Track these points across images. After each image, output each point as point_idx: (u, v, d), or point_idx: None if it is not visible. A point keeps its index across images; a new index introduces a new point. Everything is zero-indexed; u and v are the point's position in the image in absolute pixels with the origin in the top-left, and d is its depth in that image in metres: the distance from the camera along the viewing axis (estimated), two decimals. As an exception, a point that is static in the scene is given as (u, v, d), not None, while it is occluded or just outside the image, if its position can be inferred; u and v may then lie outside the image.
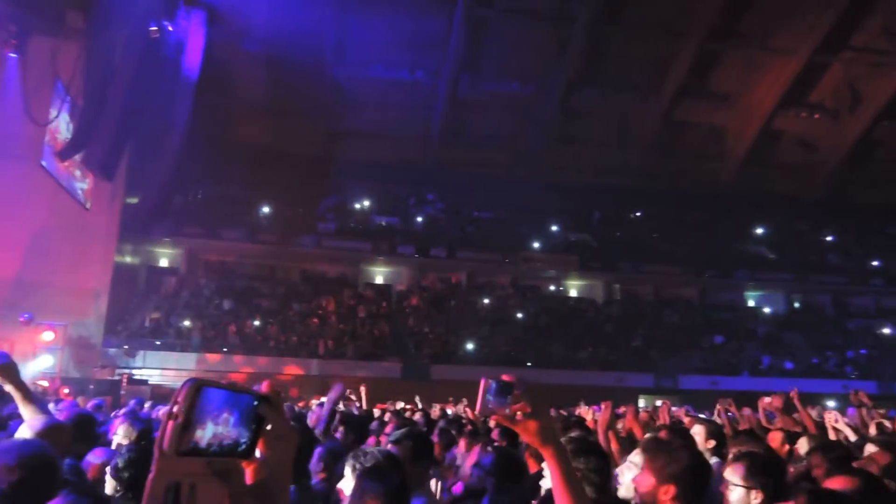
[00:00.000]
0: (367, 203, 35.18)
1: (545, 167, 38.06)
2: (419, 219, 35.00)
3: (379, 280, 33.40)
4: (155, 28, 19.09)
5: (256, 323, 27.20)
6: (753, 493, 2.58)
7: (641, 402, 22.57)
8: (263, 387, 1.01)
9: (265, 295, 29.79)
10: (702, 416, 12.22)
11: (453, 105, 34.63)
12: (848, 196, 40.16)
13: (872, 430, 6.42)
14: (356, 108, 33.75)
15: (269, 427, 0.95)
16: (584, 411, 9.72)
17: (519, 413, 1.40)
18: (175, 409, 0.80)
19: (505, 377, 1.41)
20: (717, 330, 31.45)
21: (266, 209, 32.95)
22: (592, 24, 31.13)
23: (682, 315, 32.55)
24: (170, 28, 20.39)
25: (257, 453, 0.95)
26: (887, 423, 6.86)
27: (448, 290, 32.47)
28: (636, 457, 2.66)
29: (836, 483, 2.41)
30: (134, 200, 26.32)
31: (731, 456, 3.00)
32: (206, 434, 0.83)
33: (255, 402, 0.94)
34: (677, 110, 35.65)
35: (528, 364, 27.29)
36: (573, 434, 3.52)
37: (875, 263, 36.01)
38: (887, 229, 39.30)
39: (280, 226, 31.61)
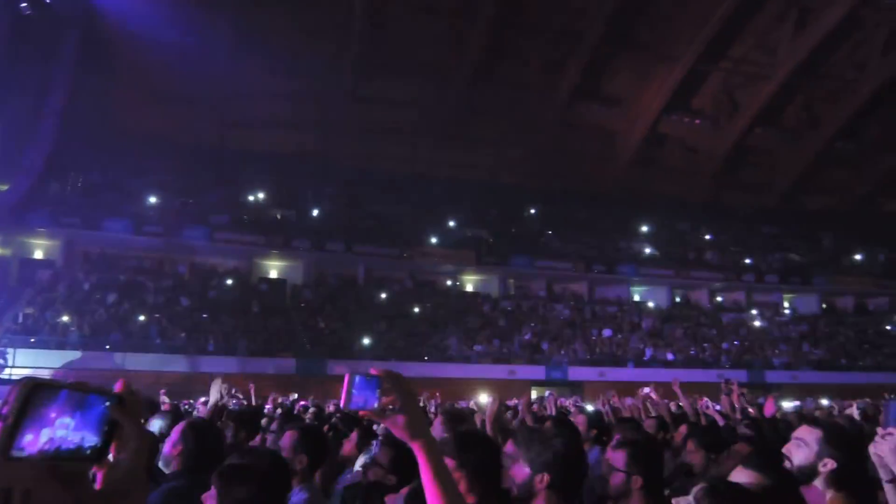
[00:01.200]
0: (261, 195, 34.23)
1: (444, 163, 38.46)
2: (315, 212, 34.43)
3: (273, 274, 32.63)
4: (26, 4, 17.79)
5: (142, 318, 25.94)
6: (634, 479, 2.69)
7: (534, 394, 23.21)
8: (117, 386, 0.97)
9: (151, 289, 28.44)
10: (588, 406, 12.71)
11: (352, 98, 34.34)
12: (724, 198, 42.93)
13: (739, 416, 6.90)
14: (251, 97, 32.81)
15: (121, 429, 0.92)
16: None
17: (389, 407, 1.39)
18: (4, 410, 0.76)
19: (373, 371, 1.41)
20: (604, 323, 32.78)
21: (153, 199, 31.42)
22: (492, 22, 31.68)
23: (572, 309, 33.70)
24: (47, 2, 19.07)
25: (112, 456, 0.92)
26: (751, 409, 7.38)
27: (344, 285, 32.18)
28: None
29: (741, 476, 2.48)
30: (4, 187, 24.46)
31: (612, 443, 3.12)
32: (40, 437, 0.78)
33: (107, 403, 0.90)
34: (571, 111, 36.88)
35: (425, 358, 27.51)
36: (462, 428, 3.56)
37: (747, 261, 38.62)
38: (759, 229, 42.34)
39: (168, 217, 30.22)
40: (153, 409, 6.26)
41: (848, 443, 2.91)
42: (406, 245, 33.19)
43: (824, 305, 38.67)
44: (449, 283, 34.72)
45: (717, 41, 33.58)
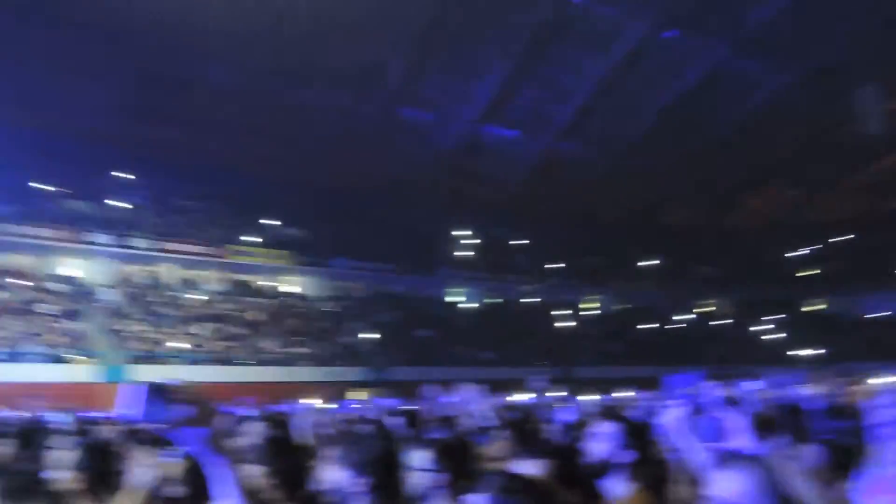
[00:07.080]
0: (52, 184, 30.36)
1: (261, 158, 36.79)
2: (117, 204, 31.32)
3: (70, 272, 29.37)
4: None
5: None
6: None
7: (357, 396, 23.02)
8: None
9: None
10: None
11: (150, 79, 30.92)
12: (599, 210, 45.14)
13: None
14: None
15: None
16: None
17: None
18: None
19: None
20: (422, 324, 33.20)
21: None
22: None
23: (391, 310, 33.87)
24: None
25: None
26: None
27: (153, 285, 29.93)
28: None
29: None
30: None
31: None
32: None
33: None
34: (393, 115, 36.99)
35: (243, 362, 26.42)
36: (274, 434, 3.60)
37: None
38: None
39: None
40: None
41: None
42: (220, 243, 31.47)
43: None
44: (265, 283, 33.45)
45: (528, 58, 35.35)
